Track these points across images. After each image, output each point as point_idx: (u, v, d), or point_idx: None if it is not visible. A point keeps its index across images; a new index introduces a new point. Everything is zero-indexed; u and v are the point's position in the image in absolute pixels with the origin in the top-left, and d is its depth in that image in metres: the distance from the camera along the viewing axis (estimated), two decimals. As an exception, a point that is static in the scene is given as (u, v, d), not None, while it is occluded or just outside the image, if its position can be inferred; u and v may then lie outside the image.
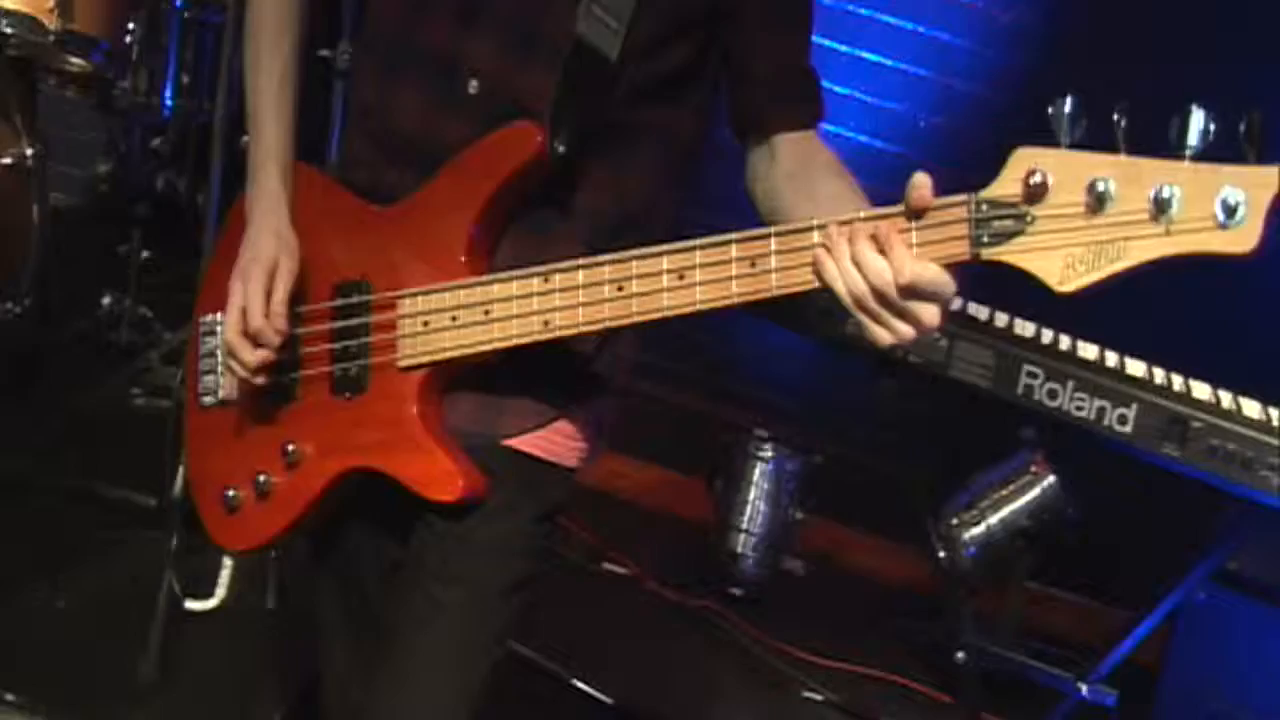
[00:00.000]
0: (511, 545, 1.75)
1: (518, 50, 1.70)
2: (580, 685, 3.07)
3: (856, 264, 1.42)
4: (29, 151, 3.13)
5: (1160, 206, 1.31)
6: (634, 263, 1.56)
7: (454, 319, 1.66)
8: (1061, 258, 1.37)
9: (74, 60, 3.24)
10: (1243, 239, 1.31)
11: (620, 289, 1.57)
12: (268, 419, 1.80)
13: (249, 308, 1.74)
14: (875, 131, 4.52)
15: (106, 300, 3.72)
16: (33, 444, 3.15)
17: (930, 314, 1.42)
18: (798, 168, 1.73)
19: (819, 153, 1.74)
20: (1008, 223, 1.39)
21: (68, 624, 2.72)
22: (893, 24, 4.48)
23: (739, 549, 3.78)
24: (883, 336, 1.45)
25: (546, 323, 1.61)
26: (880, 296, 1.42)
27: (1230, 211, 1.30)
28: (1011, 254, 1.39)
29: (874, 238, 1.42)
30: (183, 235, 3.82)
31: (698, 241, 1.53)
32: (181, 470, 2.76)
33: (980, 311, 2.66)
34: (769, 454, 3.87)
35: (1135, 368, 2.56)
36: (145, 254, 3.75)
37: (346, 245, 1.77)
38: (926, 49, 4.45)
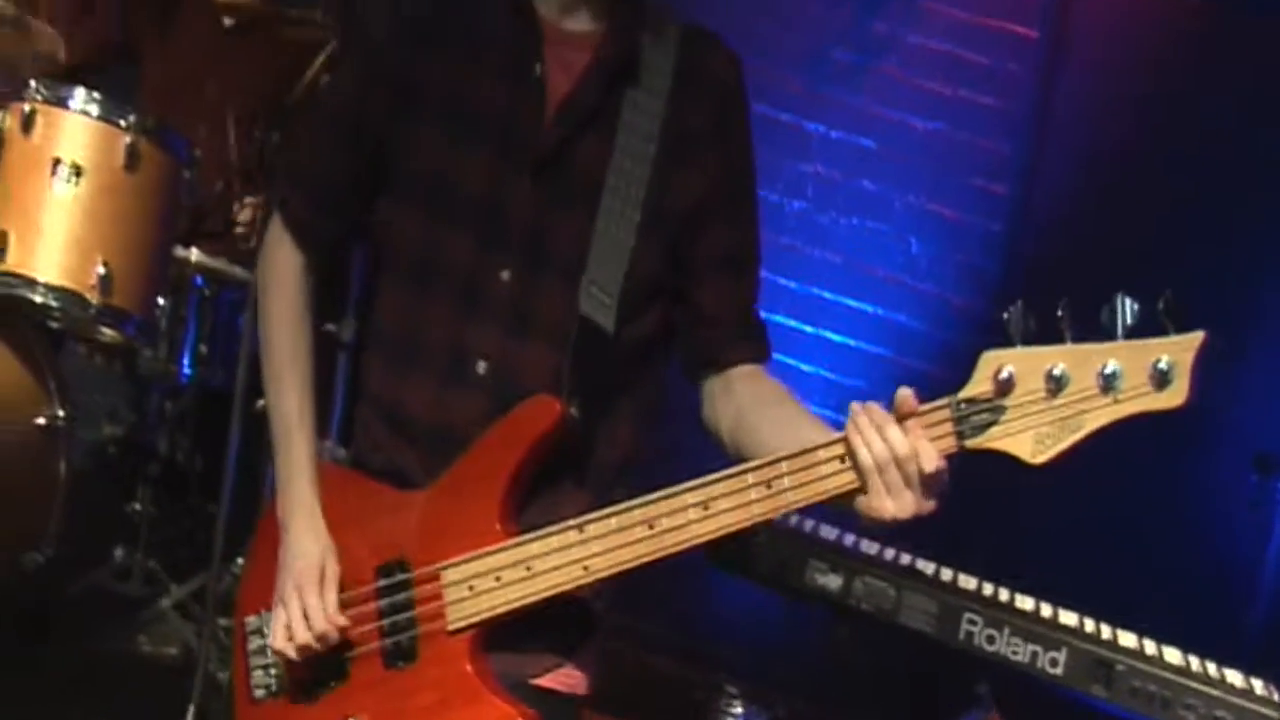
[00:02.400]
0: None
1: (518, 331, 1.95)
2: None
3: (884, 436, 1.66)
4: (60, 413, 3.34)
5: (1107, 381, 1.59)
6: (662, 503, 1.79)
7: (498, 579, 1.86)
8: (1032, 437, 1.63)
9: (108, 332, 3.45)
10: (1176, 396, 1.57)
11: (651, 528, 1.80)
12: (324, 701, 1.97)
13: (312, 616, 1.93)
14: (837, 408, 4.82)
15: (118, 553, 3.91)
16: (45, 692, 3.28)
17: (929, 497, 1.68)
18: (754, 397, 1.98)
19: (770, 382, 2.01)
20: (985, 415, 1.66)
21: None
22: (854, 307, 4.80)
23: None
24: (888, 507, 1.69)
25: (586, 568, 1.83)
26: (899, 464, 1.66)
27: (1163, 375, 1.57)
28: (990, 441, 1.66)
29: (898, 421, 1.67)
30: (188, 495, 4.06)
31: (715, 475, 1.77)
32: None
33: (927, 566, 2.89)
34: (739, 710, 4.01)
35: (1068, 617, 2.77)
36: (154, 511, 3.95)
37: (379, 530, 1.96)
38: (885, 330, 4.78)
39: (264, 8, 4.10)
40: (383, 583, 1.95)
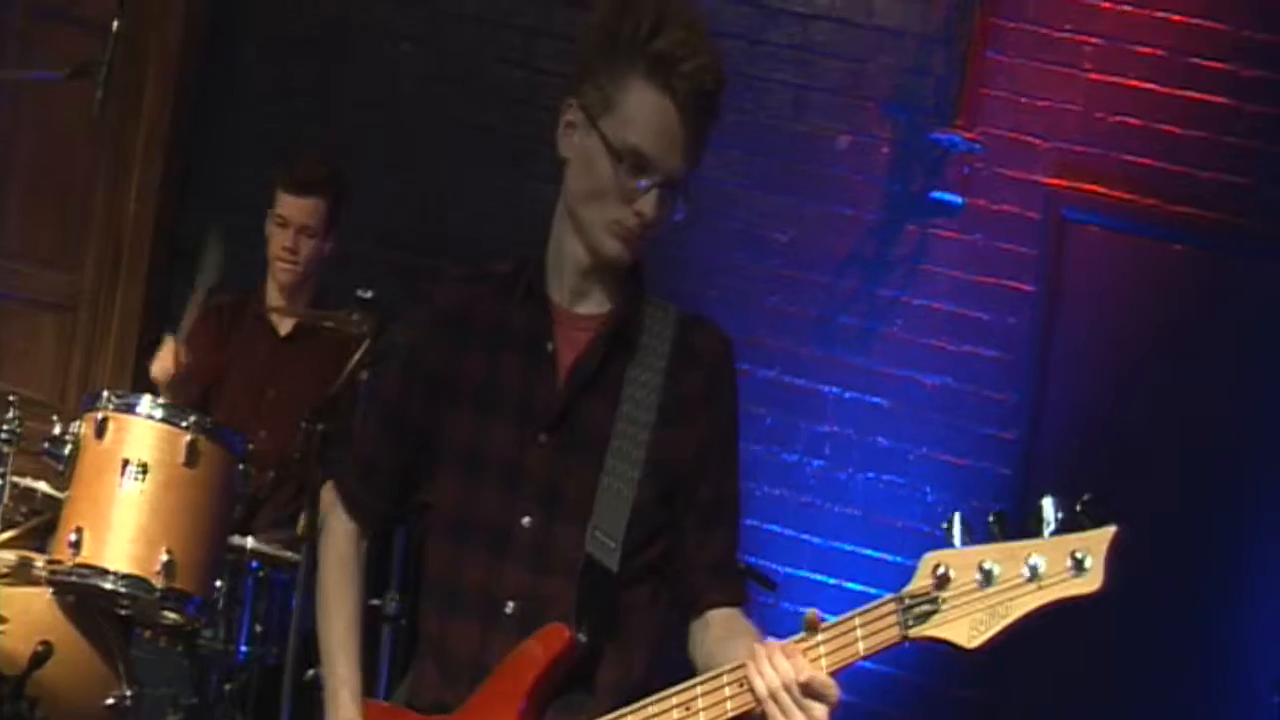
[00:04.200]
0: None
1: (539, 570, 2.22)
2: None
3: (773, 665, 1.90)
4: (128, 693, 3.59)
5: (1031, 571, 1.80)
6: (650, 707, 2.04)
7: None
8: (967, 624, 1.83)
9: (170, 615, 3.72)
10: (1092, 582, 1.78)
11: None
12: None
13: None
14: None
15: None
16: None
17: (820, 711, 1.89)
18: (726, 634, 2.22)
19: (742, 623, 2.25)
20: (925, 607, 1.86)
21: None
22: (875, 557, 5.02)
23: None
24: None
25: None
26: (788, 689, 1.88)
27: (1080, 564, 1.77)
28: (930, 629, 1.86)
29: (783, 650, 1.91)
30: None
31: (648, 700, 2.04)
32: None
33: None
34: None
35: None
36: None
37: None
38: (906, 576, 4.93)
39: (303, 312, 4.52)
40: None
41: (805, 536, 4.95)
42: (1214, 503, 4.77)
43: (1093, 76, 5.10)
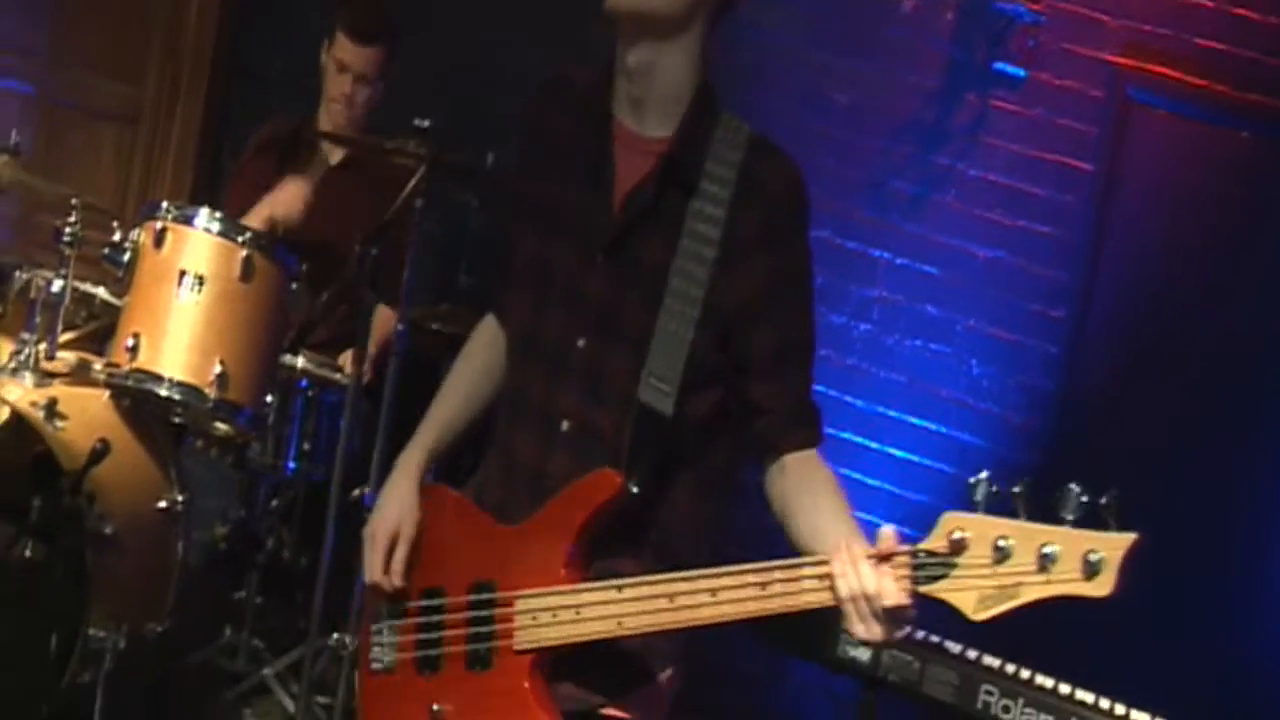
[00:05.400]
0: None
1: (592, 395, 2.24)
2: None
3: (857, 572, 1.91)
4: (179, 498, 3.67)
5: (1044, 561, 1.79)
6: (683, 583, 2.04)
7: (554, 616, 2.14)
8: (975, 596, 1.84)
9: (222, 425, 3.79)
10: (1102, 587, 1.77)
11: (671, 601, 2.05)
12: (421, 684, 2.28)
13: (369, 570, 2.30)
14: (902, 520, 5.00)
15: (227, 632, 4.23)
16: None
17: (896, 627, 1.92)
18: (803, 481, 2.21)
19: (819, 469, 2.24)
20: (938, 569, 1.88)
21: None
22: (918, 425, 5.02)
23: None
24: (858, 630, 1.95)
25: (620, 624, 2.10)
26: (867, 599, 1.90)
27: (1093, 567, 1.76)
28: (939, 592, 1.88)
29: (872, 558, 1.91)
30: (291, 587, 4.37)
31: (730, 568, 2.02)
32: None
33: (953, 645, 3.12)
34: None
35: (1084, 695, 2.97)
36: (258, 599, 4.26)
37: (478, 552, 2.26)
38: (948, 447, 4.98)
39: (361, 139, 4.51)
40: (473, 597, 2.24)
41: (849, 399, 4.96)
42: (1264, 412, 4.71)
43: (1167, -47, 4.97)
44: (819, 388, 2.31)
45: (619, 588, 2.10)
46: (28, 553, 3.29)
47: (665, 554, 2.23)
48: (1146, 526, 1.80)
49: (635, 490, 2.16)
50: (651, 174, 2.25)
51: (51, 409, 3.47)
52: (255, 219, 4.23)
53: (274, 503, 4.26)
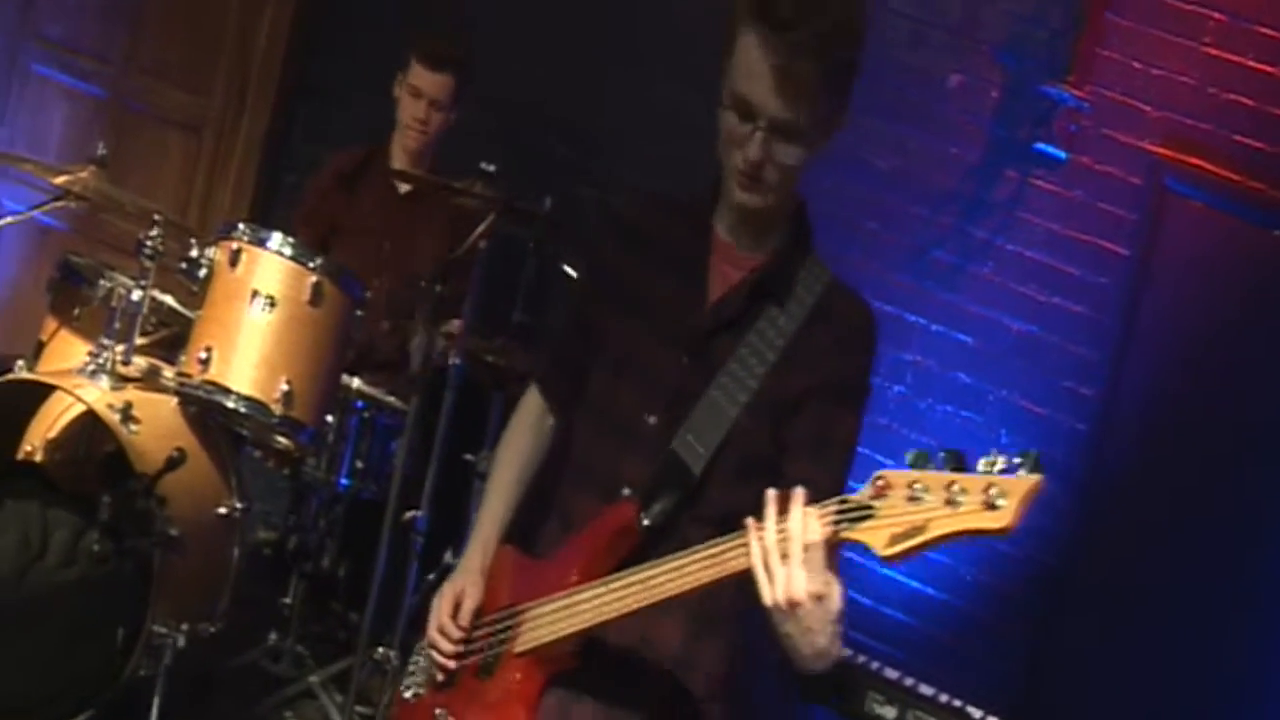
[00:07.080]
0: None
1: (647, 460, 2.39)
2: None
3: (789, 517, 2.01)
4: (238, 506, 3.82)
5: (952, 498, 1.90)
6: (653, 569, 2.17)
7: (553, 617, 2.31)
8: (886, 534, 1.95)
9: (283, 440, 3.95)
10: (1001, 519, 1.85)
11: (645, 584, 2.18)
12: (437, 698, 2.46)
13: (435, 617, 2.46)
14: (927, 582, 5.11)
15: (273, 637, 4.38)
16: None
17: (814, 585, 1.98)
18: None
19: None
20: (861, 513, 1.98)
21: None
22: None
23: None
24: (766, 594, 2.01)
25: (599, 611, 2.23)
26: (782, 543, 2.00)
27: (993, 501, 1.86)
28: (855, 532, 1.98)
29: (780, 500, 2.03)
30: (334, 598, 4.53)
31: (686, 552, 2.15)
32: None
33: (974, 710, 3.25)
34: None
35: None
36: (303, 606, 4.41)
37: (514, 584, 2.44)
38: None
39: (432, 179, 4.69)
40: (496, 617, 2.43)
41: (879, 457, 5.01)
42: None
43: (1211, 51, 5.03)
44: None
45: (607, 583, 2.23)
46: (96, 546, 3.45)
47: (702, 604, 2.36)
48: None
49: (646, 523, 2.30)
50: (739, 287, 2.41)
51: (127, 413, 3.62)
52: None
53: (322, 522, 4.41)
